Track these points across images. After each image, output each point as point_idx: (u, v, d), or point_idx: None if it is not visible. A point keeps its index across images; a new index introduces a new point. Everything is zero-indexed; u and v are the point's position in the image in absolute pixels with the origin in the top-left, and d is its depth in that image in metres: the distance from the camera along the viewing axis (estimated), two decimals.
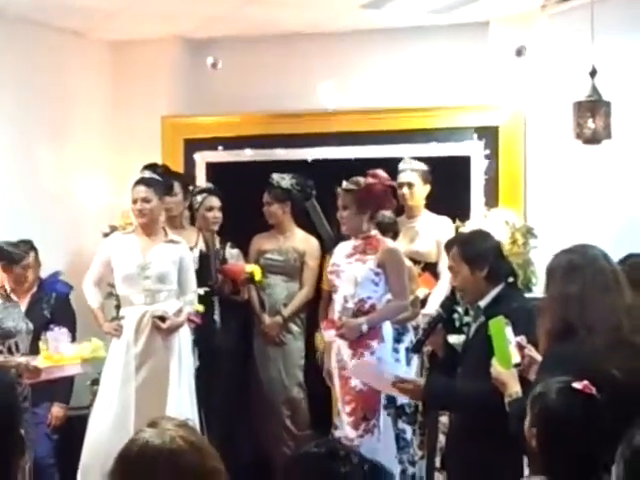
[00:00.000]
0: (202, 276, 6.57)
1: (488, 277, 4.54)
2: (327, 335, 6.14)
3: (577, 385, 3.09)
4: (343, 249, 6.15)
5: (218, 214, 6.97)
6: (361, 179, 6.03)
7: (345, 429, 5.94)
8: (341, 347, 6.00)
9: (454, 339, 5.06)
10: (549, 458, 3.07)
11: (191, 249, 6.57)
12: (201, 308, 6.50)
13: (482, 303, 4.53)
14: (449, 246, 4.77)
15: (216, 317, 6.81)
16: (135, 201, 6.18)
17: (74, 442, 6.17)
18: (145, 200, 6.16)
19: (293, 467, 2.45)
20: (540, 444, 3.08)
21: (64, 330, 6.01)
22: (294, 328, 7.10)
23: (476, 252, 4.57)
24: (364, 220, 6.03)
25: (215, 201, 7.00)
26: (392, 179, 6.21)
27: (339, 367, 6.02)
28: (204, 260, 6.74)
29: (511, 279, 4.65)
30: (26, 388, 5.87)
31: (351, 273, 5.98)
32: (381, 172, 6.08)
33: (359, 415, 5.88)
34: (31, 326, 6.06)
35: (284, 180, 7.09)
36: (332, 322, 6.08)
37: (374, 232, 6.08)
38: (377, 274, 5.97)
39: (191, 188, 7.06)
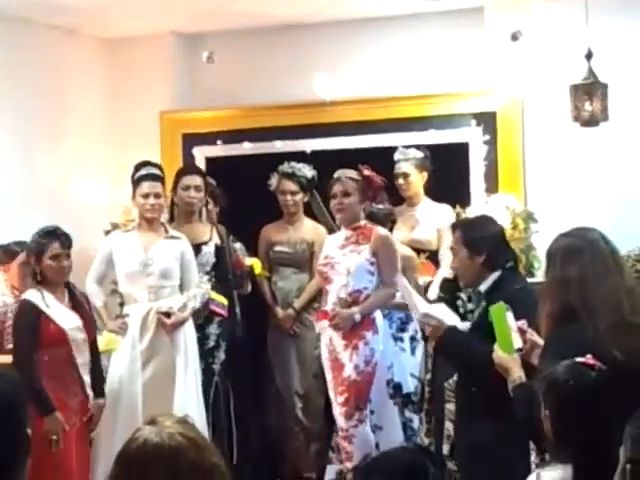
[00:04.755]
0: (220, 270, 6.55)
1: (485, 263, 4.55)
2: (319, 326, 6.15)
3: (580, 359, 3.12)
4: (334, 241, 6.18)
5: (194, 194, 6.59)
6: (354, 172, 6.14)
7: (338, 419, 5.95)
8: (333, 338, 6.00)
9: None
10: (563, 435, 3.04)
11: (206, 243, 6.55)
12: (225, 301, 6.48)
13: (482, 288, 4.54)
14: (454, 228, 4.79)
15: (237, 310, 6.70)
16: (147, 196, 6.15)
17: None
18: (157, 195, 6.17)
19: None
20: (553, 421, 3.06)
21: None
22: (307, 318, 6.99)
23: (476, 237, 4.59)
24: (361, 210, 6.10)
25: (192, 179, 6.61)
26: (390, 168, 6.26)
27: (331, 358, 6.02)
28: (220, 253, 6.63)
29: (511, 264, 4.65)
30: None
31: (346, 264, 6.01)
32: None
33: (352, 405, 5.88)
34: None
35: (305, 169, 6.99)
36: (325, 313, 6.08)
37: (364, 222, 6.12)
38: (372, 263, 5.99)
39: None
